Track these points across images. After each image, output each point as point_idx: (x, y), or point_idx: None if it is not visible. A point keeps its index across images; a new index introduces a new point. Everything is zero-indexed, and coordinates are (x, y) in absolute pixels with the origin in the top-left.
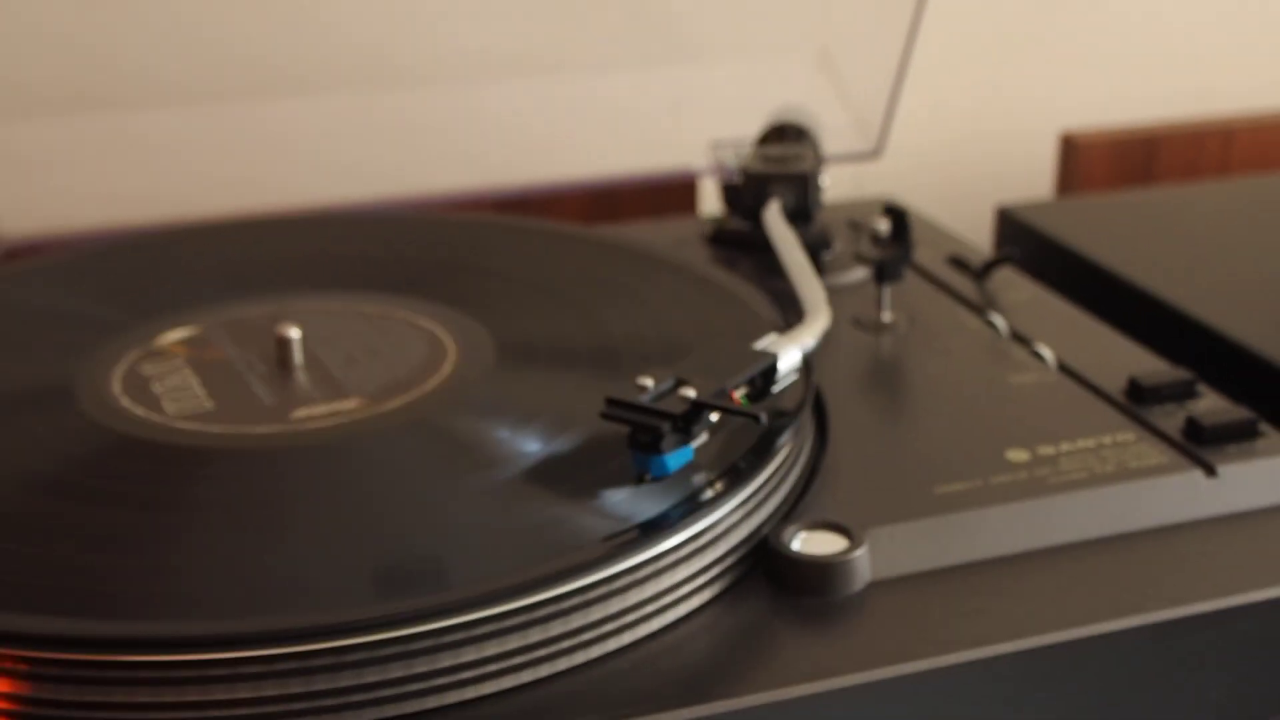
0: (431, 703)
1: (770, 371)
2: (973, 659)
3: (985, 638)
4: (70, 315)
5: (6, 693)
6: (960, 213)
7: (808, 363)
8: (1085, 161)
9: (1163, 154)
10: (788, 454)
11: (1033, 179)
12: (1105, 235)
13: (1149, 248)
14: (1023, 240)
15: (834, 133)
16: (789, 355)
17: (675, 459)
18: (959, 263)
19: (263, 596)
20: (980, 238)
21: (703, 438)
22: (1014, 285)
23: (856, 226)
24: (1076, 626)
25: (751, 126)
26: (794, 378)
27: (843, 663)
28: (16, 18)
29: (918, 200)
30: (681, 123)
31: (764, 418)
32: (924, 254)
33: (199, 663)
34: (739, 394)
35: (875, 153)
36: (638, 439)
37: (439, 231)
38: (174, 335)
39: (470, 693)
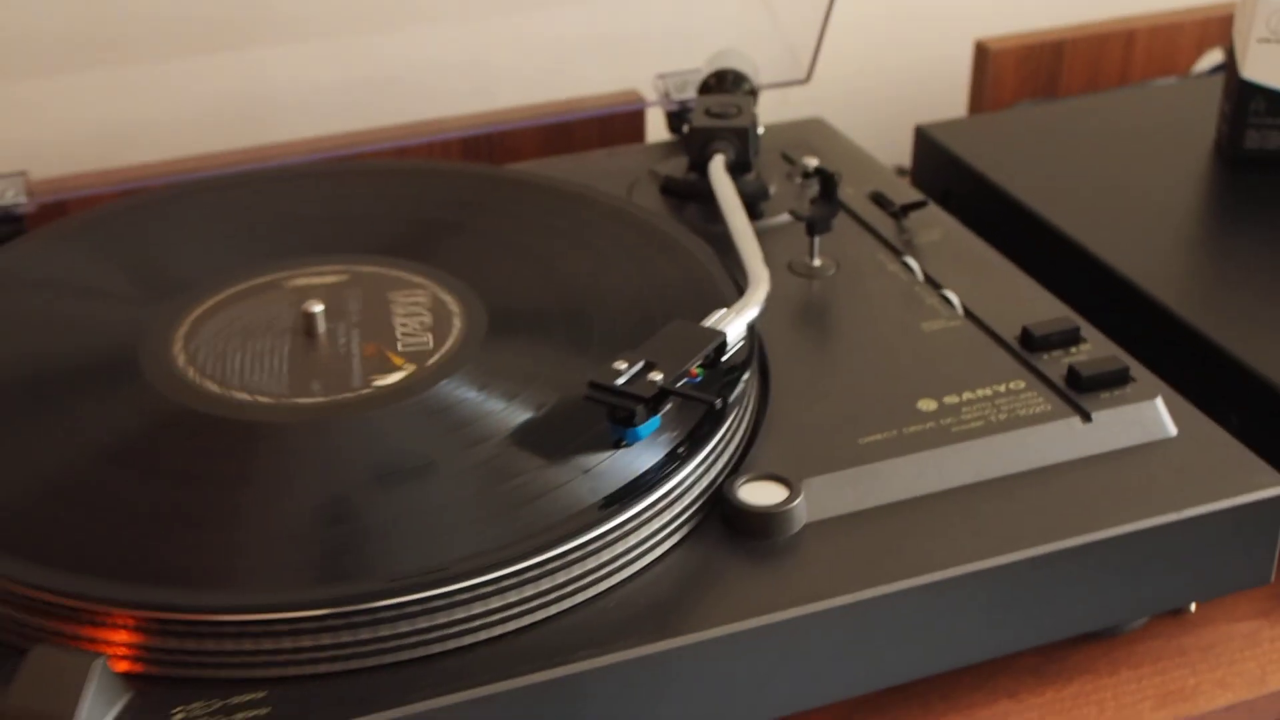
0: (466, 641)
1: (721, 346)
2: (892, 590)
3: (901, 572)
4: (107, 285)
5: (125, 641)
6: (886, 126)
7: (751, 328)
8: (997, 68)
9: (1068, 58)
10: (737, 414)
11: (953, 86)
12: (1008, 156)
13: (1045, 168)
14: (937, 158)
15: (767, 62)
16: (736, 329)
17: (646, 429)
18: (880, 201)
19: (329, 564)
20: (904, 150)
21: (667, 407)
22: (930, 221)
23: (790, 161)
24: (975, 560)
25: (691, 55)
26: (740, 343)
27: (786, 597)
28: None
29: (844, 116)
30: (624, 52)
31: (719, 403)
32: (849, 189)
33: (272, 621)
34: (696, 368)
35: (806, 79)
36: (615, 416)
37: (420, 183)
38: (206, 305)
39: (496, 631)
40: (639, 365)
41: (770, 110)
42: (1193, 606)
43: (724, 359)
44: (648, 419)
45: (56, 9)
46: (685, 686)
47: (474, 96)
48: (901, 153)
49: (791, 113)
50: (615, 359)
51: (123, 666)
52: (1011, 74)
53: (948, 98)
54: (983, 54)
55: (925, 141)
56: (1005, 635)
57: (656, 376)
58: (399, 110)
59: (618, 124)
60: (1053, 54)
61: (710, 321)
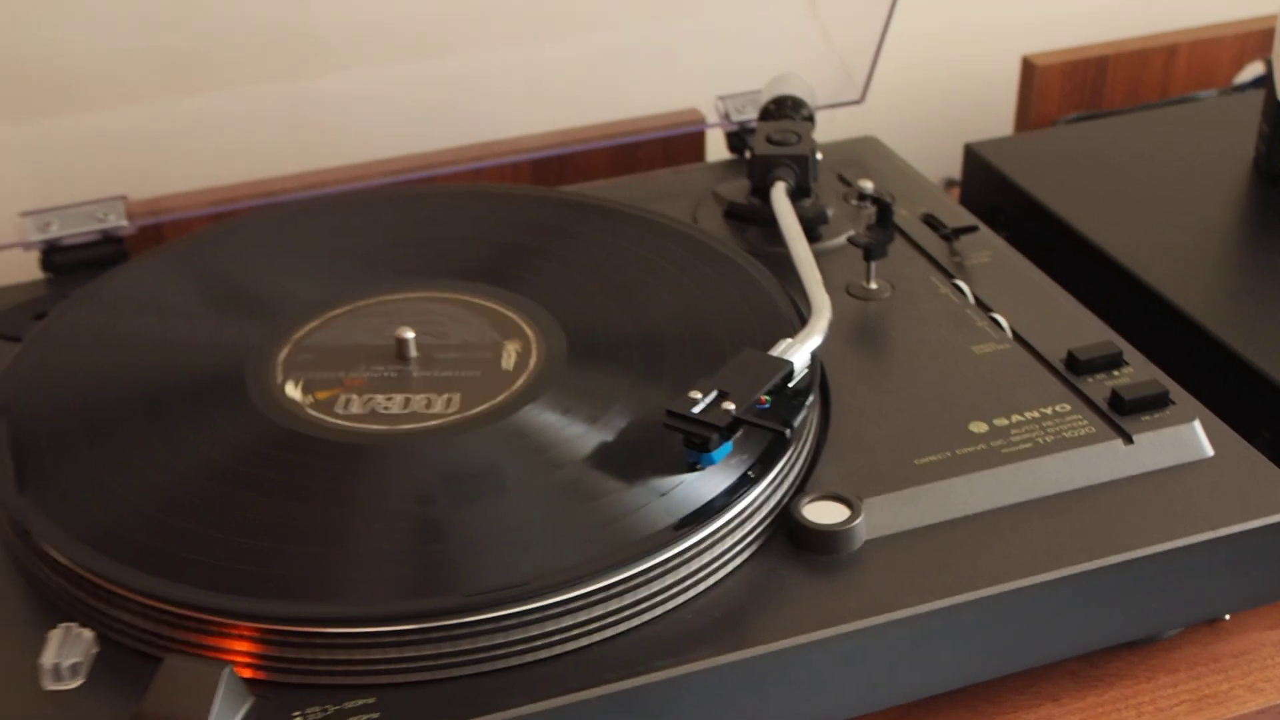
0: (555, 651)
1: (789, 375)
2: (946, 604)
3: (955, 587)
4: (210, 309)
5: (248, 651)
6: (935, 138)
7: (814, 355)
8: (1043, 82)
9: (1111, 72)
10: (802, 438)
11: (1000, 100)
12: (1053, 173)
13: (1088, 186)
14: (986, 176)
15: (822, 83)
16: (801, 357)
17: (719, 454)
18: (932, 223)
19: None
20: (953, 161)
21: (738, 433)
22: (981, 244)
23: (846, 184)
24: (1022, 576)
25: (750, 75)
26: (805, 370)
27: (848, 610)
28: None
29: (894, 130)
30: (684, 72)
31: (789, 433)
32: (903, 210)
33: (379, 634)
34: (764, 396)
35: (860, 100)
36: (691, 442)
37: (501, 207)
38: (304, 329)
39: (583, 642)
40: (712, 394)
41: (822, 127)
42: (1227, 616)
43: (790, 386)
44: (721, 445)
45: (149, 37)
46: (755, 693)
47: (541, 117)
48: (951, 164)
49: (842, 129)
50: (689, 387)
51: (246, 674)
52: (1057, 88)
53: (995, 110)
54: (1029, 69)
55: (974, 159)
56: (1050, 644)
57: (729, 406)
58: (473, 132)
59: (680, 143)
60: (1097, 69)
61: (777, 350)
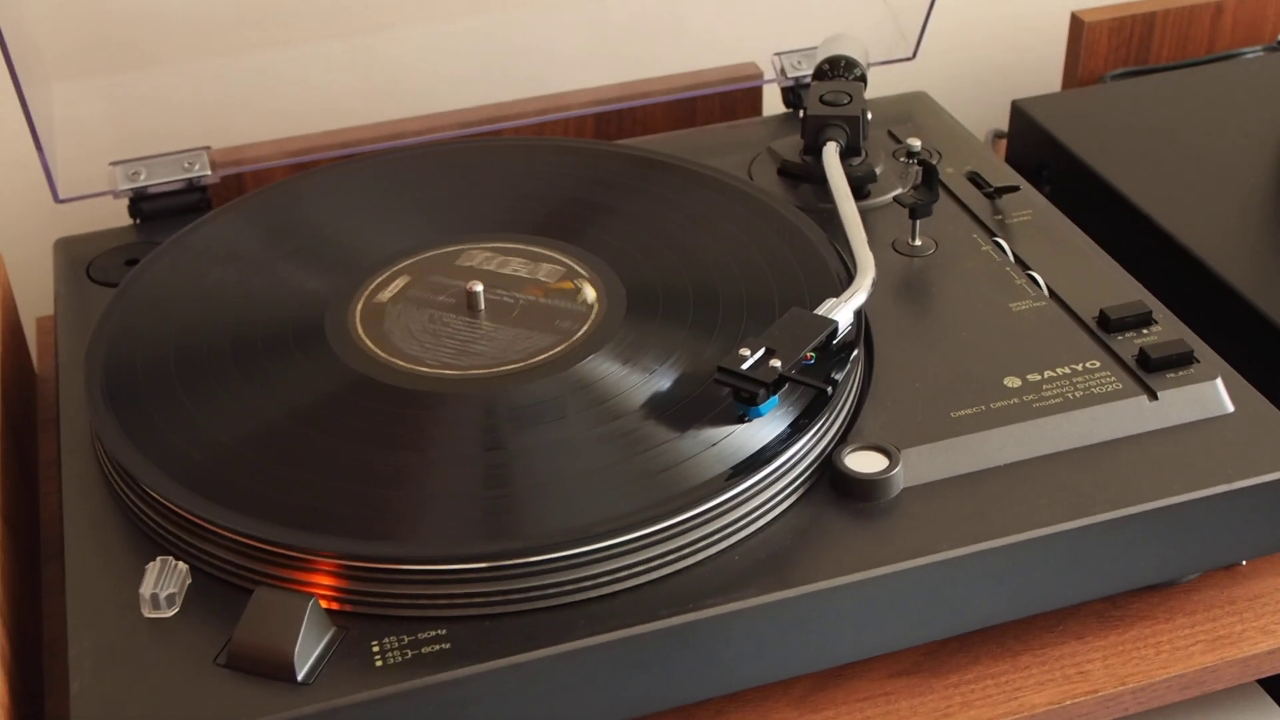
0: (613, 589)
1: (833, 333)
2: (979, 549)
3: (987, 533)
4: (290, 259)
5: (331, 585)
6: (985, 93)
7: (858, 313)
8: (1091, 38)
9: (1159, 28)
10: (844, 392)
11: (1048, 55)
12: (1097, 132)
13: (1131, 144)
14: (1032, 133)
15: (875, 40)
16: (845, 316)
17: (766, 407)
18: (976, 181)
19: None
20: (1002, 115)
21: (784, 388)
22: (1022, 203)
23: (896, 140)
24: (1051, 524)
25: (806, 30)
26: (850, 327)
27: (886, 553)
28: None
29: (945, 85)
30: (743, 26)
31: (830, 390)
32: (949, 167)
33: (452, 571)
34: (810, 353)
35: (913, 56)
36: (740, 396)
37: (565, 161)
38: (381, 280)
39: (639, 580)
40: (761, 351)
41: (874, 82)
42: (1243, 562)
43: (834, 343)
44: (768, 400)
45: None
46: (798, 630)
47: (604, 71)
48: (1001, 117)
49: (895, 84)
50: (741, 342)
51: (329, 606)
52: (1105, 44)
53: (1044, 65)
54: (1078, 25)
55: (1020, 117)
56: (1075, 587)
57: (776, 363)
58: (538, 86)
59: (737, 97)
60: (1144, 25)
61: (823, 309)
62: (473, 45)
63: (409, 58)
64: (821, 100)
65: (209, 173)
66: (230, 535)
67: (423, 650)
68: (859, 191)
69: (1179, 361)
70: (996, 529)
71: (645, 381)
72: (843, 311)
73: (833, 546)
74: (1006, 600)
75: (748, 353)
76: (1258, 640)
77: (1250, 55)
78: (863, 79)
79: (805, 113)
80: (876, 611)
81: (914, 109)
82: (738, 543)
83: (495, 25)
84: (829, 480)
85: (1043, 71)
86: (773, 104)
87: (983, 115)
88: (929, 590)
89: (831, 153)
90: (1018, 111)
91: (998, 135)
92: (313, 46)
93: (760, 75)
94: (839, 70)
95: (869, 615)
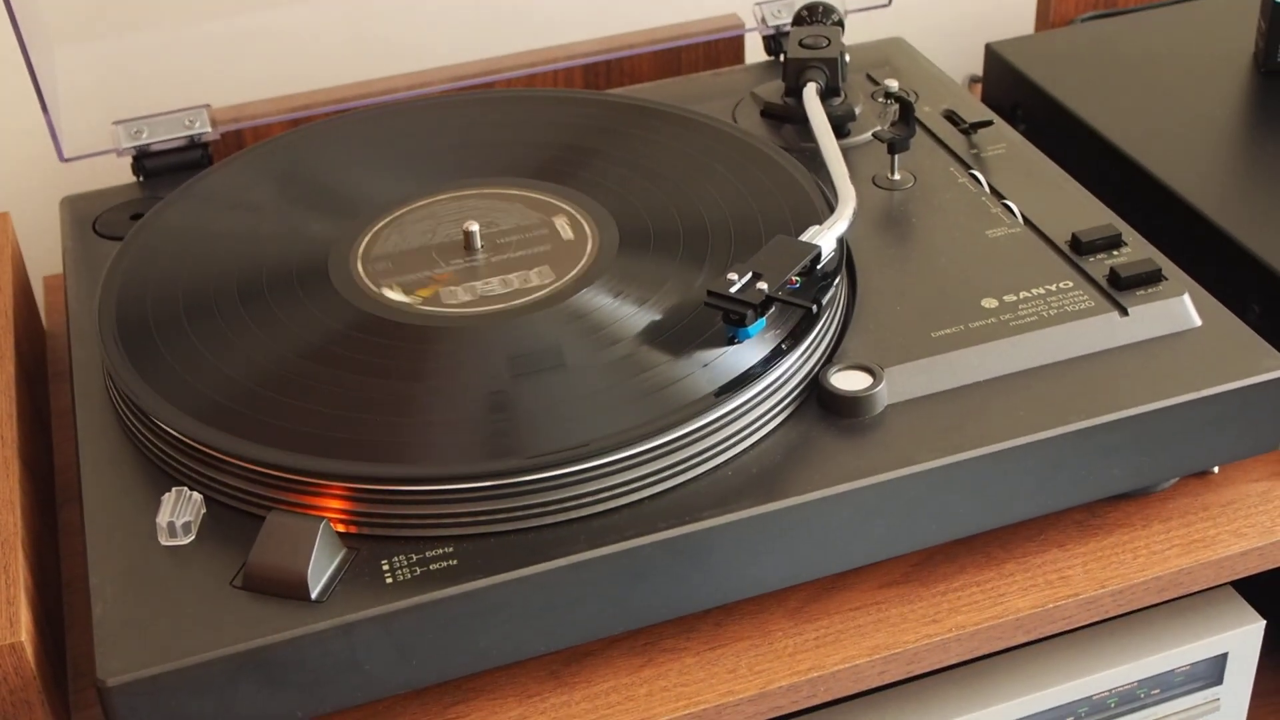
0: (611, 505)
1: (816, 258)
2: (960, 459)
3: (967, 444)
4: (294, 206)
5: (341, 508)
6: (961, 37)
7: (841, 240)
8: None
9: None
10: (829, 314)
11: (1022, 5)
12: (1068, 71)
13: (1100, 82)
14: (1006, 75)
15: None
16: (828, 242)
17: (754, 329)
18: (952, 118)
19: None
20: (978, 59)
21: (772, 310)
22: (996, 137)
23: (874, 82)
24: (1028, 434)
25: None
26: (832, 254)
27: (871, 465)
28: None
29: (923, 31)
30: None
31: (814, 308)
32: (926, 106)
33: (456, 490)
34: (795, 277)
35: (888, 3)
36: (729, 318)
37: (555, 110)
38: (380, 224)
39: (636, 496)
40: (748, 275)
41: (854, 29)
42: (1215, 469)
43: (818, 268)
44: (756, 321)
45: None
46: (790, 540)
47: (591, 23)
48: (976, 62)
49: (873, 31)
50: (728, 270)
51: (340, 528)
52: None
53: (1018, 9)
54: None
55: (994, 59)
56: (1055, 496)
57: (762, 285)
58: (526, 39)
59: (721, 47)
60: None
61: (806, 236)
62: (463, 3)
63: (402, 16)
64: (801, 44)
65: (209, 130)
66: (241, 464)
67: (431, 567)
68: (839, 130)
69: (1148, 279)
70: (975, 439)
71: (638, 312)
72: (825, 238)
73: (821, 461)
74: (988, 510)
75: (735, 277)
76: (1230, 543)
77: None
78: (840, 24)
79: (785, 56)
80: (864, 521)
81: (891, 54)
82: (731, 459)
83: None
84: (816, 399)
85: (1018, 16)
86: (755, 54)
87: (959, 61)
88: (913, 500)
89: (812, 93)
90: (991, 54)
91: (973, 80)
92: (309, 6)
93: (742, 25)
94: (817, 16)
95: (857, 525)
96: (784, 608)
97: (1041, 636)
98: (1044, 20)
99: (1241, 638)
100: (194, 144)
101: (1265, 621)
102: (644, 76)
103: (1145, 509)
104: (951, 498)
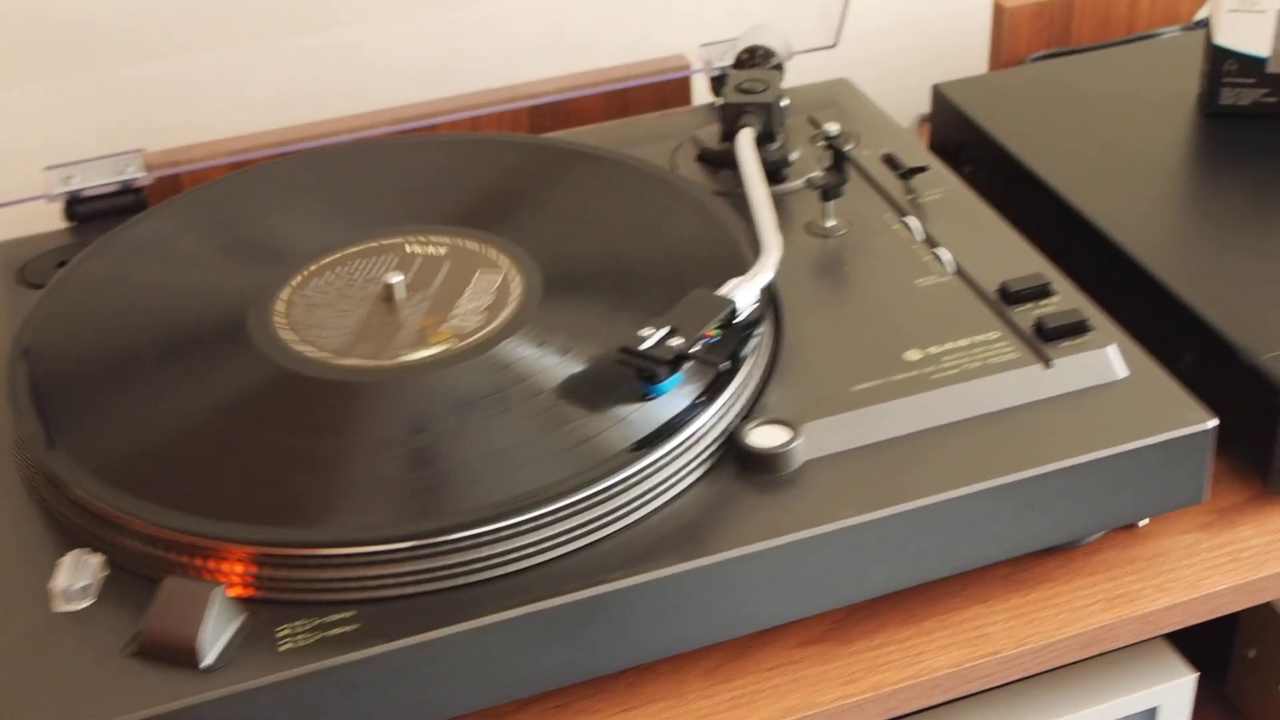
0: (520, 565)
1: (733, 313)
2: (879, 516)
3: (887, 500)
4: (218, 256)
5: (239, 571)
6: (917, 77)
7: (765, 290)
8: (1013, 23)
9: (1078, 11)
10: (750, 367)
11: (976, 41)
12: (1013, 113)
13: (1045, 124)
14: (951, 116)
15: (799, 29)
16: (745, 296)
17: (667, 385)
18: (891, 162)
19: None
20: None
21: (687, 366)
22: (935, 182)
23: (815, 125)
24: (948, 489)
25: (734, 21)
26: (755, 305)
27: (788, 523)
28: None
29: (877, 72)
30: (673, 20)
31: (723, 366)
32: (866, 150)
33: (356, 554)
34: (713, 330)
35: (834, 44)
36: (641, 375)
37: (486, 154)
38: (302, 274)
39: (545, 557)
40: (663, 331)
41: (805, 69)
42: (1142, 522)
43: (736, 321)
44: (669, 378)
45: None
46: (704, 599)
47: (540, 65)
48: (927, 103)
49: (827, 70)
50: (643, 325)
51: (239, 592)
52: (1027, 28)
53: (973, 48)
54: (1000, 11)
55: (940, 100)
56: (976, 552)
57: (676, 341)
58: (472, 80)
59: (670, 88)
60: (1064, 8)
61: (725, 289)
62: (410, 45)
63: (347, 58)
64: (738, 88)
65: (142, 175)
66: (140, 526)
67: (330, 632)
68: (775, 176)
69: (1074, 330)
70: (893, 496)
71: (559, 363)
72: (743, 291)
73: (736, 518)
74: (908, 566)
75: (648, 333)
76: (1154, 598)
77: (1168, 35)
78: (779, 68)
79: (722, 101)
80: (781, 580)
81: (838, 95)
82: (644, 517)
83: (431, 25)
84: (735, 455)
85: (973, 54)
86: (705, 95)
87: (915, 99)
88: (831, 558)
89: (745, 139)
90: (938, 95)
91: (924, 119)
92: (250, 47)
93: (689, 66)
94: (756, 60)
95: (774, 584)
96: (700, 667)
97: (959, 695)
98: (997, 60)
99: (1172, 691)
100: (127, 189)
101: (1198, 673)
102: (592, 118)
103: (1071, 562)
104: (870, 555)
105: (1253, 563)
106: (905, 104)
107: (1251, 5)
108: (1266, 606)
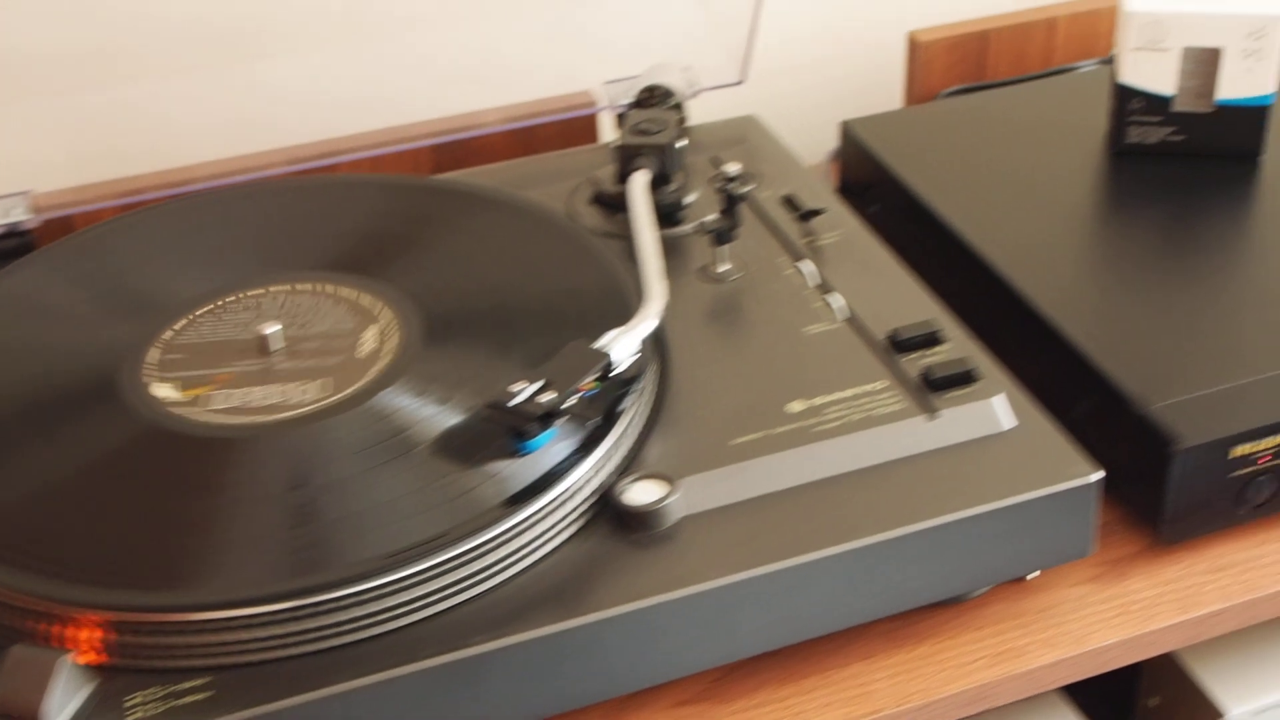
0: (376, 631)
1: (609, 366)
2: (756, 574)
3: (765, 557)
4: (89, 308)
5: (87, 638)
6: (831, 113)
7: (647, 342)
8: (927, 57)
9: (994, 46)
10: (627, 421)
11: (891, 76)
12: (920, 151)
13: (951, 162)
14: (858, 153)
15: (706, 66)
16: (622, 349)
17: (538, 442)
18: (790, 204)
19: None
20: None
21: (559, 421)
22: (834, 224)
23: (717, 163)
24: (827, 546)
25: (640, 57)
26: (636, 356)
27: (663, 582)
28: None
29: (787, 112)
30: (579, 55)
31: (589, 423)
32: (767, 190)
33: (205, 621)
34: (589, 383)
35: (740, 82)
36: (514, 431)
37: (370, 197)
38: (175, 326)
39: (402, 622)
40: (537, 385)
41: (715, 105)
42: (1031, 575)
43: (613, 374)
44: (540, 434)
45: (54, 33)
46: (573, 662)
47: (443, 101)
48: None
49: (741, 106)
50: (521, 375)
51: (90, 659)
52: (941, 62)
53: (887, 84)
54: (914, 46)
55: (849, 137)
56: (857, 608)
57: (547, 396)
58: (374, 118)
59: (575, 125)
60: (979, 42)
61: (603, 341)
62: (311, 82)
63: (248, 95)
64: (634, 129)
65: (28, 217)
66: None
67: (181, 700)
68: (670, 219)
69: (961, 380)
70: (771, 553)
71: (437, 414)
72: (622, 343)
73: (610, 577)
74: (790, 624)
75: (519, 388)
76: (1040, 653)
77: (1085, 69)
78: (677, 108)
79: (618, 142)
80: (655, 640)
81: (746, 133)
82: (513, 577)
83: (332, 62)
84: (608, 515)
85: (887, 91)
86: (612, 132)
87: (831, 136)
88: (707, 617)
89: (637, 183)
90: (846, 131)
91: (835, 156)
92: (148, 85)
93: (594, 103)
94: (655, 100)
95: (647, 644)
96: None
97: None
98: (913, 95)
99: None
100: (13, 232)
101: None
102: (497, 155)
103: (958, 617)
104: (747, 614)
105: (1141, 616)
106: (821, 140)
107: (1156, 44)
108: (1167, 655)
